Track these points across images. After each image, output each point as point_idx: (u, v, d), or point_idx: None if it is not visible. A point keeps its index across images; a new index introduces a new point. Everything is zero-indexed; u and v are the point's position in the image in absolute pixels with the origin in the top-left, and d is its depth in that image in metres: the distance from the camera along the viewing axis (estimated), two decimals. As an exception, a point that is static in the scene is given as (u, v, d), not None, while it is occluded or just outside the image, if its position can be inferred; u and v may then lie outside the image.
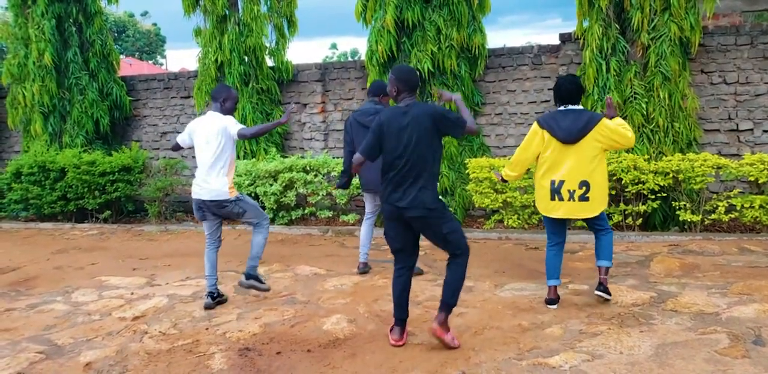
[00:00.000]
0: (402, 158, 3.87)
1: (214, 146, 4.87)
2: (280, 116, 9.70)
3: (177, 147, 5.27)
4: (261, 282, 5.10)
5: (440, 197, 4.00)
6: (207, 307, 4.99)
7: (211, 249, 5.18)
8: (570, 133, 4.48)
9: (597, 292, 4.65)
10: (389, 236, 4.08)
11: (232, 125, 4.86)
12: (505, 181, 5.15)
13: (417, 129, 3.84)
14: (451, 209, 8.17)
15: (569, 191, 4.54)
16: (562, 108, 4.63)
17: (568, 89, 4.60)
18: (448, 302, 3.91)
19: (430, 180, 3.90)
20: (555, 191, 4.60)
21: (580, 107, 4.64)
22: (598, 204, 4.57)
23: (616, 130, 4.48)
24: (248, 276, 5.02)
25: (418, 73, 3.98)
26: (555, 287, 4.76)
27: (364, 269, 5.92)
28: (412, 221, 3.92)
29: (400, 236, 4.04)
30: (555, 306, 4.71)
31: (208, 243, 5.18)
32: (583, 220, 4.82)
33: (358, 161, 4.11)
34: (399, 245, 4.06)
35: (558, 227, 4.80)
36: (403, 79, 3.96)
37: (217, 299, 5.06)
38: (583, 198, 4.53)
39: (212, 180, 4.87)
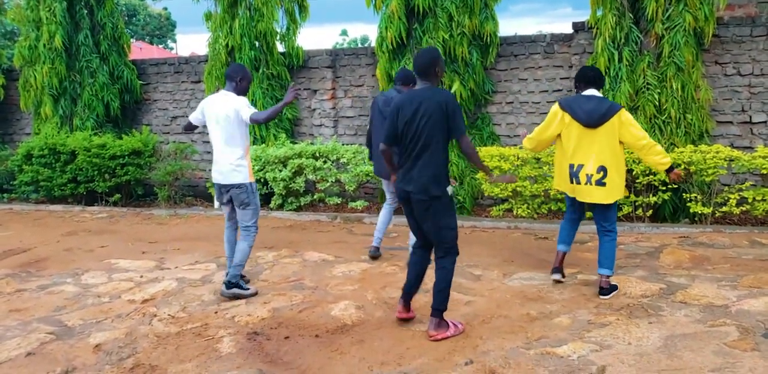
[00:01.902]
0: (412, 142, 3.92)
1: (227, 127, 4.84)
2: (296, 99, 9.67)
3: (190, 126, 5.22)
4: (244, 288, 4.90)
5: (451, 188, 3.98)
6: (224, 295, 4.93)
7: (230, 231, 5.20)
8: (592, 117, 4.52)
9: (601, 296, 4.66)
10: (406, 215, 4.19)
11: (244, 108, 4.78)
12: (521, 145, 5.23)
13: (426, 114, 3.84)
14: (459, 197, 8.18)
15: (587, 175, 4.60)
16: (585, 92, 4.67)
17: (593, 75, 4.69)
18: (439, 307, 3.95)
19: (438, 166, 3.90)
20: (573, 175, 4.67)
21: (602, 94, 4.69)
22: (614, 191, 4.60)
23: (632, 120, 4.54)
24: (229, 285, 4.83)
25: (432, 55, 3.94)
26: (563, 255, 4.85)
27: (375, 254, 5.93)
28: (415, 204, 3.95)
29: (412, 217, 4.11)
30: (559, 277, 4.79)
31: (227, 226, 5.21)
32: (594, 213, 4.81)
33: (383, 150, 4.16)
34: (413, 224, 4.15)
35: (577, 204, 4.89)
36: (415, 64, 3.98)
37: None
38: (600, 183, 4.57)
39: (228, 162, 4.87)
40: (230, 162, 4.87)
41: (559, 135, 4.76)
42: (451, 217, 3.96)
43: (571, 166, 4.67)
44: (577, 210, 4.97)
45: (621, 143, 4.59)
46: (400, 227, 7.39)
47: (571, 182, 4.71)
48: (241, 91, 4.96)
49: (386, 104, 5.55)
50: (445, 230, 3.93)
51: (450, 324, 3.98)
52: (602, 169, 4.55)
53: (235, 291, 4.85)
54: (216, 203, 5.08)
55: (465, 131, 3.91)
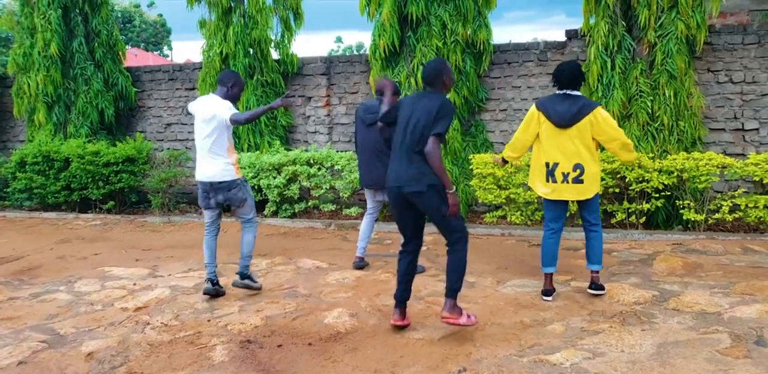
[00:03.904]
0: (403, 141, 4.00)
1: (209, 130, 4.88)
2: (285, 109, 9.70)
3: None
4: (254, 280, 5.15)
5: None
6: (207, 292, 5.03)
7: (210, 237, 5.21)
8: (563, 117, 4.58)
9: (590, 290, 4.78)
10: (395, 218, 4.24)
11: (225, 110, 4.82)
12: (506, 162, 5.22)
13: (423, 112, 3.95)
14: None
15: (563, 173, 4.65)
16: (560, 92, 4.71)
17: (570, 74, 4.67)
18: (453, 287, 3.98)
19: (428, 165, 3.93)
20: (549, 173, 4.72)
21: (579, 93, 4.71)
22: (592, 186, 4.67)
23: (608, 119, 4.60)
24: (243, 276, 5.08)
25: (437, 66, 4.11)
26: (551, 276, 4.84)
27: (360, 264, 5.91)
28: (412, 198, 3.96)
29: (403, 218, 4.15)
30: (551, 298, 4.78)
31: (207, 232, 5.21)
32: (579, 209, 4.89)
33: (380, 128, 4.35)
34: (402, 225, 4.20)
35: (558, 212, 4.87)
36: (422, 75, 4.20)
37: (215, 286, 5.06)
38: (577, 180, 4.64)
39: (213, 162, 4.91)
40: (216, 163, 4.91)
41: (537, 134, 4.79)
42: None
43: (547, 164, 4.71)
44: (557, 220, 4.87)
45: (594, 139, 4.64)
46: (393, 234, 7.40)
47: (547, 181, 4.73)
48: (231, 97, 5.00)
49: (367, 112, 5.61)
50: (450, 217, 3.95)
51: (464, 313, 3.99)
52: (578, 166, 4.61)
53: (248, 282, 5.07)
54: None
55: (441, 135, 3.91)
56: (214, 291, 5.04)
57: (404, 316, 4.22)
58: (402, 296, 4.20)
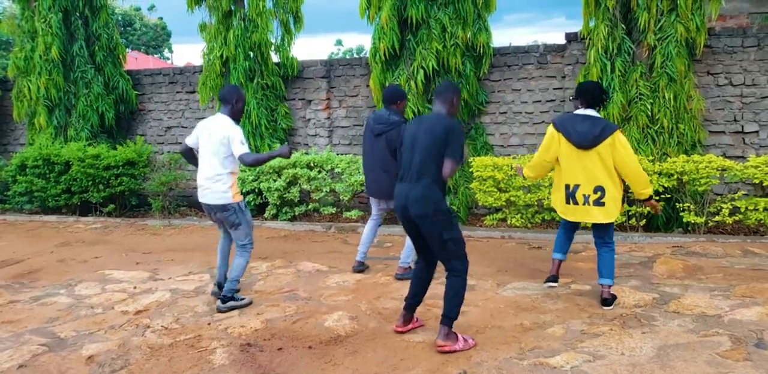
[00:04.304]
0: (411, 161, 3.97)
1: (218, 154, 4.79)
2: (285, 112, 9.72)
3: (188, 150, 5.13)
4: (238, 299, 4.91)
5: (449, 204, 4.02)
6: (214, 293, 5.07)
7: (224, 241, 5.23)
8: (585, 138, 4.51)
9: (604, 307, 4.66)
10: (405, 230, 4.20)
11: (237, 144, 4.71)
12: (524, 177, 5.19)
13: (428, 132, 3.93)
14: (454, 207, 8.19)
15: (584, 195, 4.60)
16: (581, 112, 4.65)
17: (597, 94, 4.64)
18: (449, 314, 3.89)
19: (435, 182, 3.91)
20: (570, 195, 4.66)
21: (598, 114, 4.67)
22: (613, 209, 4.59)
23: (626, 144, 4.52)
24: (224, 300, 4.83)
25: (452, 87, 4.16)
26: (560, 262, 4.87)
27: (360, 268, 5.90)
28: (416, 219, 3.92)
29: (412, 233, 4.11)
30: (555, 284, 4.79)
31: (221, 238, 5.26)
32: (593, 230, 4.81)
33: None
34: (413, 239, 4.16)
35: (573, 225, 4.98)
36: (436, 90, 4.18)
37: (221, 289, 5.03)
38: (598, 203, 4.58)
39: (213, 185, 4.83)
40: (214, 185, 4.82)
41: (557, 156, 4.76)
42: (455, 228, 3.93)
43: (567, 186, 4.66)
44: (571, 228, 5.02)
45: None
46: (394, 236, 7.41)
47: (567, 203, 4.70)
48: (236, 113, 4.94)
49: (376, 122, 5.57)
50: (451, 243, 3.88)
51: (460, 337, 3.91)
52: (600, 189, 4.55)
53: (231, 303, 4.84)
54: None
55: (458, 158, 3.89)
56: (228, 308, 4.88)
57: (408, 321, 4.20)
58: (413, 300, 4.17)
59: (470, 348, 3.88)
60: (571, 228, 5.03)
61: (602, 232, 4.74)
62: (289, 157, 4.98)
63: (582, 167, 4.58)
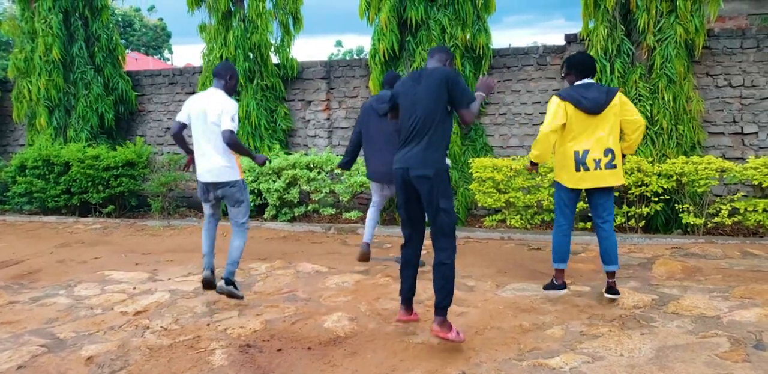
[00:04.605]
0: (411, 120, 3.93)
1: (215, 126, 4.72)
2: (285, 113, 9.74)
3: (179, 129, 4.98)
4: (237, 288, 4.91)
5: (449, 161, 3.97)
6: (205, 278, 4.92)
7: (211, 225, 5.10)
8: (598, 103, 4.60)
9: (607, 295, 4.69)
10: (399, 206, 4.17)
11: (228, 117, 4.65)
12: (536, 164, 5.10)
13: (428, 86, 3.90)
14: (454, 209, 8.18)
15: (595, 160, 4.64)
16: (581, 82, 4.74)
17: (589, 63, 4.76)
18: (441, 304, 3.87)
19: (438, 143, 3.89)
20: (580, 162, 4.68)
21: (594, 80, 4.78)
22: (621, 173, 4.73)
23: (628, 100, 4.73)
24: (228, 282, 4.84)
25: (445, 48, 4.26)
26: (563, 271, 4.86)
27: (366, 249, 5.85)
28: (415, 182, 3.88)
29: (408, 203, 4.04)
30: (565, 291, 4.79)
31: (206, 222, 5.12)
32: (594, 208, 4.81)
33: (390, 117, 4.37)
34: (405, 213, 4.08)
35: (571, 206, 4.89)
36: (429, 51, 4.25)
37: (214, 274, 4.96)
38: (610, 166, 4.65)
39: (217, 160, 4.78)
40: (219, 160, 4.79)
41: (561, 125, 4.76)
42: (450, 198, 3.91)
43: (576, 153, 4.67)
44: (569, 216, 4.90)
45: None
46: (393, 237, 7.40)
47: (578, 170, 4.68)
48: (230, 89, 4.91)
49: (380, 102, 5.58)
50: (444, 213, 3.86)
51: (454, 329, 3.90)
52: (609, 151, 4.63)
53: (232, 289, 4.85)
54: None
55: (469, 102, 3.88)
56: (214, 279, 4.90)
57: (411, 311, 4.21)
58: (408, 294, 4.17)
59: (460, 343, 3.88)
60: (568, 227, 4.96)
61: (604, 204, 4.76)
62: (262, 165, 5.04)
63: (591, 132, 4.64)
